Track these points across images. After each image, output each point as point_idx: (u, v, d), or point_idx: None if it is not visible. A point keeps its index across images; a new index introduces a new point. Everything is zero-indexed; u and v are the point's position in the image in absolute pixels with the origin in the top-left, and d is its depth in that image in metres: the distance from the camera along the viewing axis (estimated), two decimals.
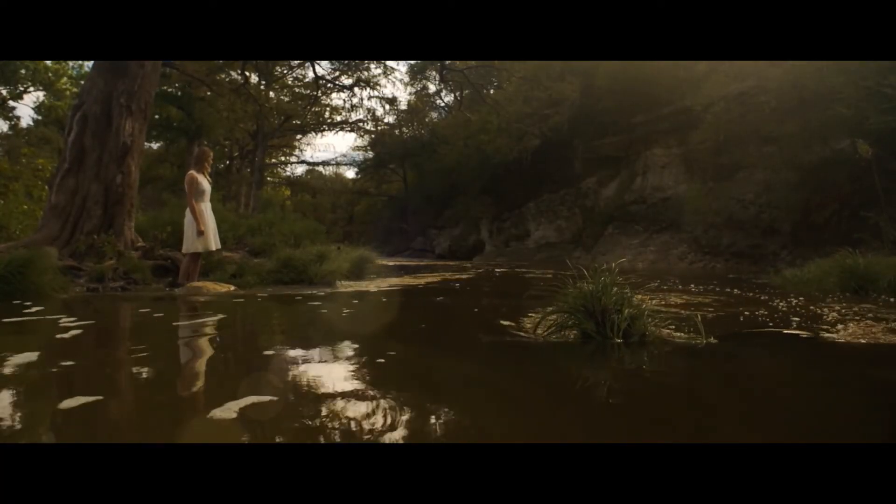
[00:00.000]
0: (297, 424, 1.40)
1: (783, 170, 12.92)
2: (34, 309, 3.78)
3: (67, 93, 25.61)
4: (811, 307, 4.18)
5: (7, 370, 1.93)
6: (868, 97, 9.98)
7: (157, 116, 20.12)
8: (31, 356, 2.16)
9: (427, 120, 35.86)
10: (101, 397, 1.58)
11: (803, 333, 2.96)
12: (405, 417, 1.47)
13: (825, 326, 3.17)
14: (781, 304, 4.48)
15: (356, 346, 2.61)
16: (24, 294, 4.56)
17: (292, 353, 2.44)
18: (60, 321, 3.17)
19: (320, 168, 38.88)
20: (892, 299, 4.65)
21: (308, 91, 26.79)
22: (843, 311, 3.93)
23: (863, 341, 2.71)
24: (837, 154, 11.59)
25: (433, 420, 1.48)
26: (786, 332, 3.03)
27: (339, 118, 30.34)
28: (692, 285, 6.85)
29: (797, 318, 3.54)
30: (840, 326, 3.16)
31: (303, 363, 2.19)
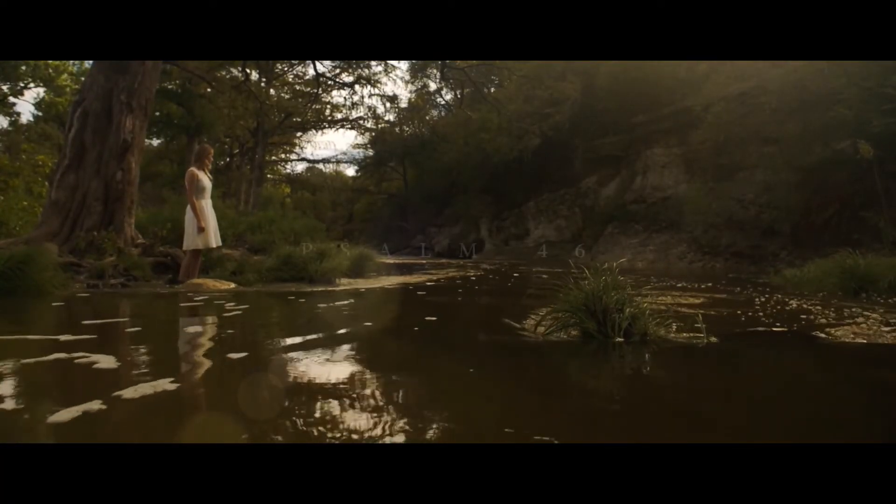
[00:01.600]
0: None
1: (783, 170, 12.91)
2: (199, 298, 4.63)
3: (68, 89, 25.57)
4: (811, 307, 4.18)
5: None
6: (870, 98, 9.97)
7: (157, 113, 20.09)
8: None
9: (427, 118, 35.81)
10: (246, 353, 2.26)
11: (803, 333, 2.96)
12: (404, 416, 1.47)
13: (825, 327, 3.17)
14: (782, 304, 4.48)
15: (363, 343, 2.62)
16: (25, 290, 4.56)
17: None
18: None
19: (320, 166, 38.86)
20: (892, 300, 4.65)
21: (309, 88, 26.79)
22: (843, 311, 3.93)
23: (863, 342, 2.72)
24: (838, 155, 11.58)
25: (431, 419, 1.48)
26: (786, 331, 3.04)
27: (339, 116, 30.36)
28: (692, 285, 6.85)
29: (797, 319, 3.54)
30: (840, 327, 3.17)
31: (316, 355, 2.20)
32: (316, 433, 1.33)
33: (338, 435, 1.32)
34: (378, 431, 1.34)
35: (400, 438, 1.30)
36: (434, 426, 1.41)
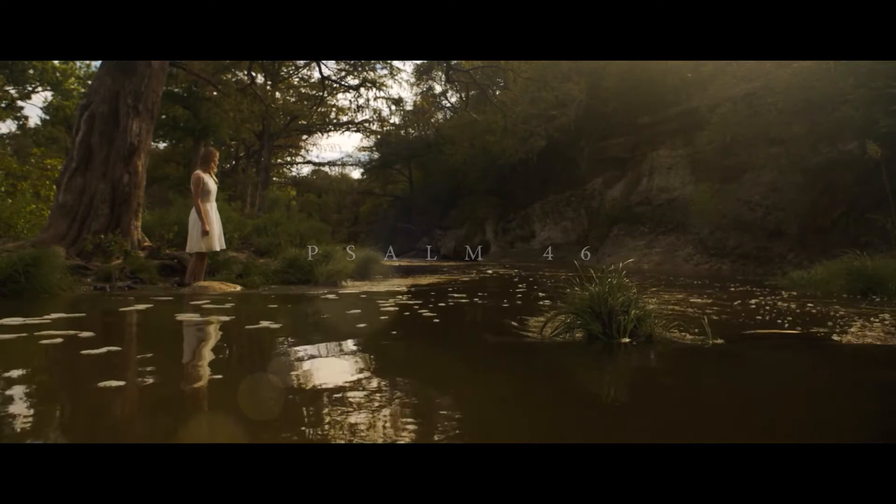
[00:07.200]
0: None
1: (790, 171, 12.82)
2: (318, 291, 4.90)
3: (75, 93, 25.75)
4: (818, 309, 4.15)
5: None
6: (878, 99, 9.89)
7: (163, 116, 20.22)
8: None
9: (433, 120, 35.82)
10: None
11: (809, 335, 2.94)
12: (409, 416, 1.47)
13: (832, 328, 3.15)
14: (787, 305, 4.45)
15: (372, 344, 2.62)
16: (32, 292, 4.59)
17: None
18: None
19: (326, 168, 38.97)
20: None
21: (314, 91, 26.87)
22: (850, 313, 3.90)
23: (870, 343, 2.69)
24: (845, 156, 11.50)
25: (436, 419, 1.48)
26: (792, 333, 3.02)
27: (344, 118, 30.42)
28: (698, 286, 6.82)
29: (803, 320, 3.52)
30: (847, 328, 3.14)
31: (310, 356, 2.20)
32: (328, 426, 1.33)
33: (357, 431, 1.32)
34: (389, 431, 1.34)
35: (404, 438, 1.30)
36: (437, 425, 1.41)
